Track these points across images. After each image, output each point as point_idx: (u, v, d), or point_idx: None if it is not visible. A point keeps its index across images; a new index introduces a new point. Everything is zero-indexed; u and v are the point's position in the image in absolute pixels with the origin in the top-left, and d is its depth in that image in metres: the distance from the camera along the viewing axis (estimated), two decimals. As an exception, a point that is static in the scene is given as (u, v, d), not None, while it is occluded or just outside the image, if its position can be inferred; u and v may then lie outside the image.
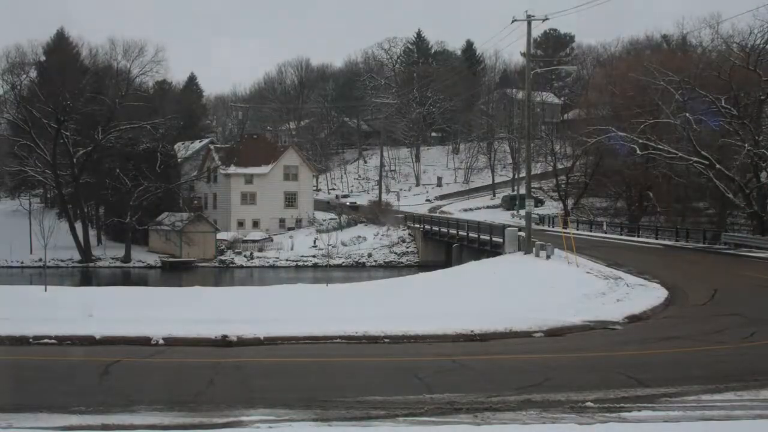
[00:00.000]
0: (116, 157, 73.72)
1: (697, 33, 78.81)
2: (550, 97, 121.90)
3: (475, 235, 53.50)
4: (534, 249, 39.50)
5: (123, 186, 69.53)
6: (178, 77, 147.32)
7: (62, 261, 66.32)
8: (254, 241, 73.08)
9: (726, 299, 26.31)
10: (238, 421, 11.24)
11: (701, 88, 49.26)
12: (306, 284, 35.77)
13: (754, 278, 32.29)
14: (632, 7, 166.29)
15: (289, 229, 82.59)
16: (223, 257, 70.17)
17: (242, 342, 18.11)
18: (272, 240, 74.57)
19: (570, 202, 76.73)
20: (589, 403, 12.39)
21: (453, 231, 59.82)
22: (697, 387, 13.95)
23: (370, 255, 69.79)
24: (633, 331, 21.08)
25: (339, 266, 65.26)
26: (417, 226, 71.12)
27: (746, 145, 46.63)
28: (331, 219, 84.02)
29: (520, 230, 44.17)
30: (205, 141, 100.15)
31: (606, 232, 60.48)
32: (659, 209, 65.31)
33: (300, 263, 68.09)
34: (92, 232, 73.11)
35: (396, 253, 70.16)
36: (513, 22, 39.46)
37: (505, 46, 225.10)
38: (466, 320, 20.78)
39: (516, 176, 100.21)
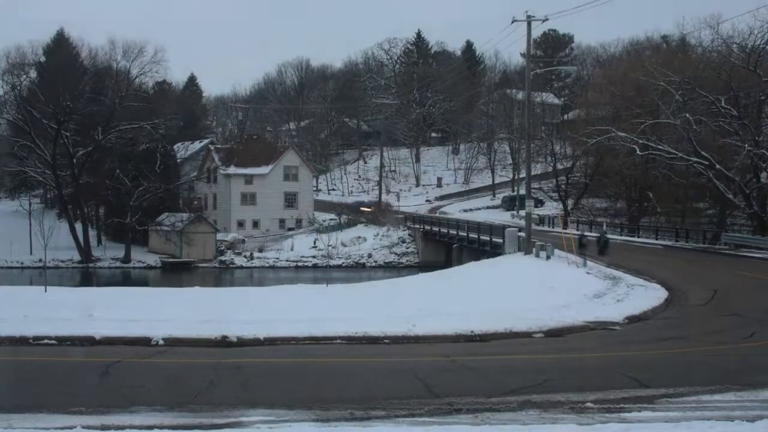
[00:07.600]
0: (116, 157, 73.74)
1: (697, 33, 78.63)
2: (550, 98, 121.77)
3: (475, 236, 53.45)
4: (534, 249, 39.52)
5: (123, 186, 69.54)
6: (178, 77, 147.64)
7: (62, 261, 66.26)
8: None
9: (726, 299, 26.30)
10: (238, 422, 11.24)
11: (701, 89, 49.23)
12: (306, 285, 35.69)
13: (754, 278, 32.28)
14: (632, 7, 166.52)
15: (289, 229, 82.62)
16: (223, 258, 70.15)
17: (242, 342, 18.11)
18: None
19: (570, 202, 76.68)
20: (589, 404, 12.40)
21: (453, 231, 59.75)
22: (697, 387, 13.97)
23: (370, 255, 69.75)
24: (633, 331, 21.09)
25: (339, 267, 65.18)
26: (417, 226, 71.06)
27: (746, 145, 46.59)
28: (330, 219, 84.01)
29: (520, 231, 44.16)
30: (205, 141, 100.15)
31: (606, 233, 60.31)
32: (659, 209, 65.23)
33: (300, 264, 68.03)
34: (92, 233, 73.12)
35: (396, 254, 70.09)
36: (513, 22, 39.47)
37: (505, 47, 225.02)
38: (466, 321, 20.78)
39: (516, 177, 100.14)
